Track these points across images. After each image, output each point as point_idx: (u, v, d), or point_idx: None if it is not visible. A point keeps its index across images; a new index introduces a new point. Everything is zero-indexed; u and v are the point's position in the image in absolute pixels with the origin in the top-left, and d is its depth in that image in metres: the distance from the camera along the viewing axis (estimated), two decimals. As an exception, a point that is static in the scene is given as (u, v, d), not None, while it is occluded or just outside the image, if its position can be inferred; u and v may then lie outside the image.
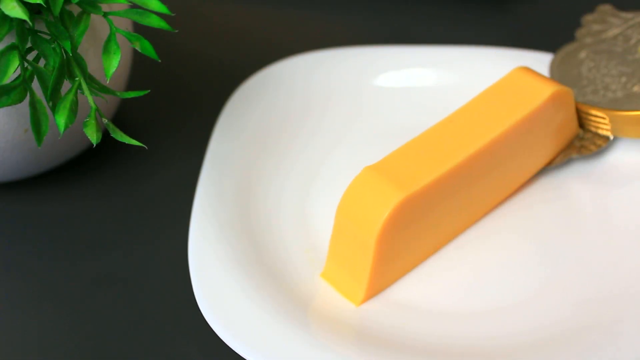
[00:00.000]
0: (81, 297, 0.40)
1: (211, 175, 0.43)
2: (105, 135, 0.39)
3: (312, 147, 0.46)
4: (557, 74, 0.46)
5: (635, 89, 0.42)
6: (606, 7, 0.48)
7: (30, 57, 0.37)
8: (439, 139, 0.39)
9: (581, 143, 0.44)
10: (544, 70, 0.47)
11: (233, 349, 0.35)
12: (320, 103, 0.48)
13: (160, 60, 0.38)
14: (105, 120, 0.37)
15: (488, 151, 0.39)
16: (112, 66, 0.37)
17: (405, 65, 0.49)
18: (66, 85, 0.38)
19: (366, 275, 0.37)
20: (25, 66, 0.36)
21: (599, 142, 0.43)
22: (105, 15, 0.37)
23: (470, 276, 0.39)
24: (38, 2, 0.34)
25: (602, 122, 0.43)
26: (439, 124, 0.40)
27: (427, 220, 0.38)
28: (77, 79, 0.36)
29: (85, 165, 0.47)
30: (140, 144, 0.37)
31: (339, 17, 0.57)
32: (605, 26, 0.46)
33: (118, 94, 0.38)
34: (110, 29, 0.37)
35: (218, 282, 0.37)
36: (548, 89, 0.41)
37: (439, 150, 0.38)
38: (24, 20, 0.35)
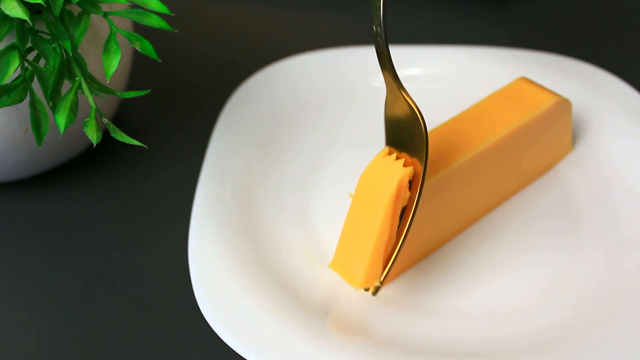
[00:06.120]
0: (81, 297, 0.40)
1: (211, 175, 0.43)
2: (105, 135, 0.39)
3: (311, 147, 0.46)
4: None
5: None
6: None
7: (31, 57, 0.37)
8: (446, 137, 0.40)
9: None
10: (544, 70, 0.47)
11: (233, 348, 0.35)
12: (320, 103, 0.48)
13: (160, 60, 0.38)
14: (105, 120, 0.37)
15: (495, 149, 0.40)
16: (112, 66, 0.37)
17: (405, 65, 0.49)
18: (66, 85, 0.38)
19: (372, 242, 0.36)
20: (26, 66, 0.36)
21: None
22: (105, 15, 0.37)
23: (471, 277, 0.39)
24: (38, 2, 0.34)
25: None
26: (444, 125, 0.41)
27: (433, 210, 0.39)
28: (77, 78, 0.36)
29: (85, 165, 0.47)
30: (141, 144, 0.37)
31: (339, 17, 0.57)
32: None
33: (118, 94, 0.38)
34: (111, 29, 0.37)
35: (218, 282, 0.37)
36: (551, 97, 0.42)
37: (446, 149, 0.39)
38: (24, 20, 0.35)
